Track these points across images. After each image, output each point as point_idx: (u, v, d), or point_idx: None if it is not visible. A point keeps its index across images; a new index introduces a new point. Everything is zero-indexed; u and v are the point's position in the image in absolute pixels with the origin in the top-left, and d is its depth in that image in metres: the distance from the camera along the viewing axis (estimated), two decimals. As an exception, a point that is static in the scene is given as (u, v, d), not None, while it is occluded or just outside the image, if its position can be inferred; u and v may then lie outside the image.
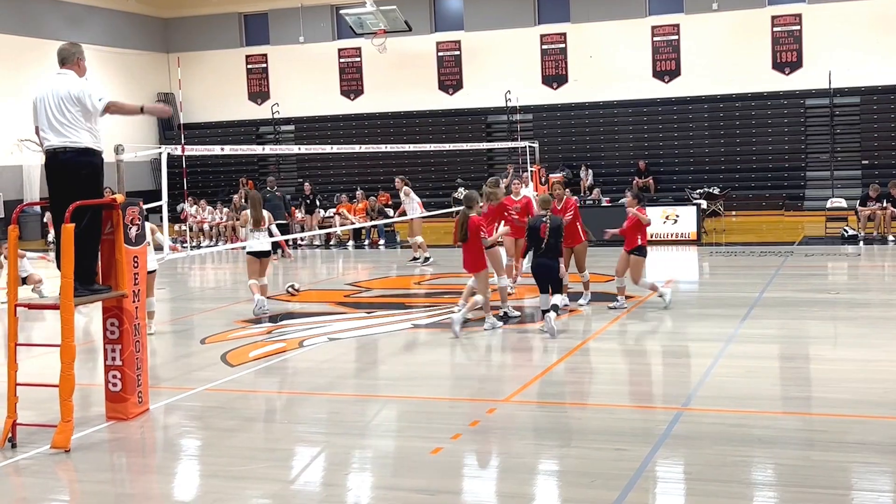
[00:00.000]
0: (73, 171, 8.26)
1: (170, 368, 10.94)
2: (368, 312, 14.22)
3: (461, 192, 19.93)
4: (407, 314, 13.82)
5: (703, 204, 23.91)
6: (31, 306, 8.66)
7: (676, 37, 32.18)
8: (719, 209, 26.36)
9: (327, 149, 16.32)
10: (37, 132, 8.46)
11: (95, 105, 8.29)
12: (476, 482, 6.96)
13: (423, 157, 33.76)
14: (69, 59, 8.51)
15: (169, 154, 10.88)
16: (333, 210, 26.87)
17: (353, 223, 24.59)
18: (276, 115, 36.12)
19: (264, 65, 37.85)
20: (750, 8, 31.24)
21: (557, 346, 11.44)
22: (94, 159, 8.36)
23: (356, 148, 18.37)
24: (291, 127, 36.67)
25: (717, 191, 27.41)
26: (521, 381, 9.88)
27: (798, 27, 30.92)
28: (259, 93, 37.92)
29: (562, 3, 33.56)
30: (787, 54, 31.10)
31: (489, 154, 33.97)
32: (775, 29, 31.14)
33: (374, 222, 24.46)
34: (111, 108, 8.39)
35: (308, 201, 27.06)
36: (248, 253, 14.36)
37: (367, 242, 25.08)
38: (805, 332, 11.89)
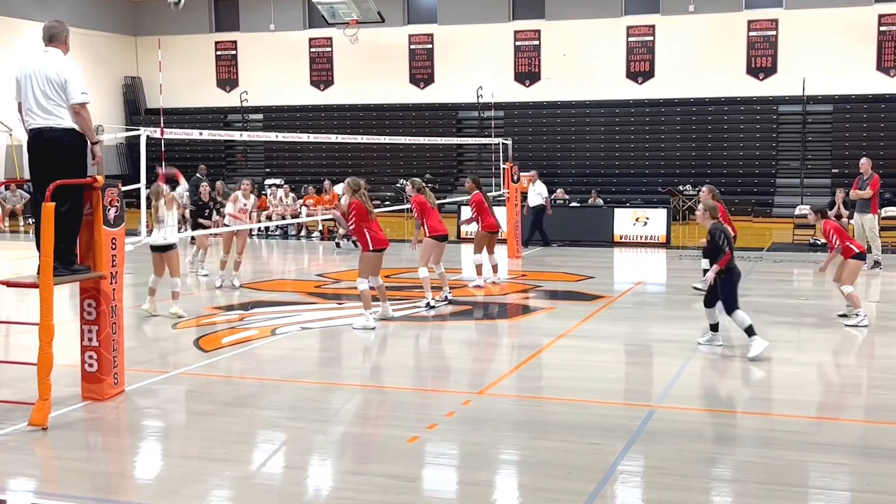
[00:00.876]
0: (58, 150, 8.20)
1: (142, 352, 10.90)
2: (339, 303, 14.22)
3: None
4: (377, 306, 13.81)
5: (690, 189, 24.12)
6: (9, 284, 8.59)
7: (651, 38, 32.41)
8: (695, 206, 26.68)
9: (303, 137, 16.26)
10: (19, 108, 8.37)
11: (75, 98, 8.18)
12: (454, 471, 7.02)
13: (392, 151, 33.74)
14: (57, 37, 8.42)
15: (136, 138, 10.80)
16: (301, 201, 26.80)
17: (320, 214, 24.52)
18: (244, 104, 35.97)
19: (234, 52, 37.69)
20: (726, 11, 31.51)
21: (530, 342, 11.53)
22: (78, 139, 8.30)
23: (331, 138, 18.27)
24: (260, 116, 36.54)
25: (690, 190, 27.70)
26: (495, 374, 9.96)
27: (774, 32, 31.25)
28: (228, 80, 37.76)
29: (537, 0, 33.65)
30: (761, 59, 31.42)
31: (459, 150, 34.02)
32: (751, 33, 31.46)
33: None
34: (81, 112, 8.27)
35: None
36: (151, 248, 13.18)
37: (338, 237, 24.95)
38: (774, 335, 12.04)
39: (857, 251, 12.48)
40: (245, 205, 15.63)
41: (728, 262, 10.38)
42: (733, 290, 10.50)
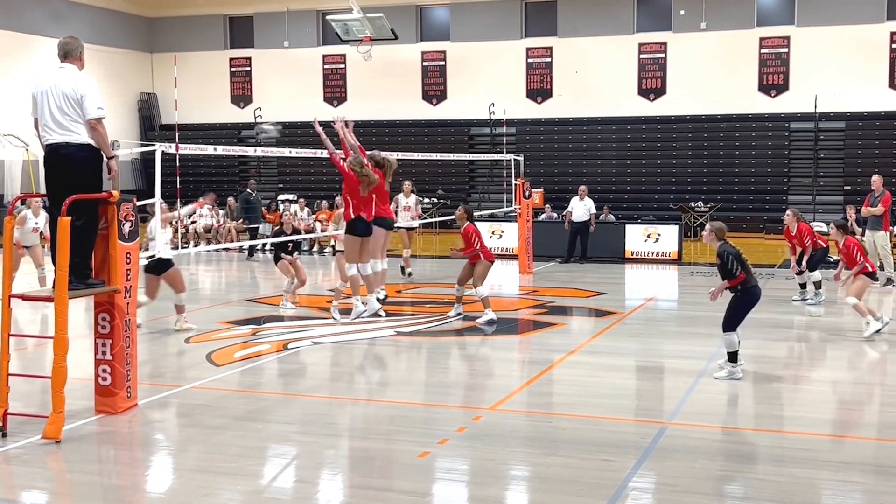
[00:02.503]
0: (74, 165, 8.26)
1: (156, 366, 10.94)
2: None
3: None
4: (390, 321, 13.86)
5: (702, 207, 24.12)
6: (25, 297, 8.66)
7: (663, 55, 32.44)
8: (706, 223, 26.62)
9: (316, 153, 16.27)
10: (35, 125, 8.45)
11: (91, 113, 8.25)
12: (464, 487, 7.03)
13: (404, 166, 33.70)
14: (72, 53, 8.51)
15: (151, 153, 10.85)
16: (314, 216, 26.87)
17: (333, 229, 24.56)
18: (258, 119, 36.09)
19: (248, 68, 37.85)
20: (738, 29, 31.50)
21: (541, 358, 11.54)
22: (94, 154, 8.37)
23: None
24: (280, 125, 36.63)
25: (702, 206, 27.69)
26: (505, 390, 9.96)
27: (786, 49, 31.25)
28: (242, 96, 37.92)
29: (549, 17, 33.76)
30: (773, 77, 31.42)
31: (471, 166, 34.09)
32: (763, 51, 31.47)
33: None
34: (97, 128, 8.33)
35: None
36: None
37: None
38: (786, 353, 12.04)
39: (871, 270, 12.87)
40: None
41: (744, 282, 10.19)
42: (740, 311, 10.28)
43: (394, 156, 13.83)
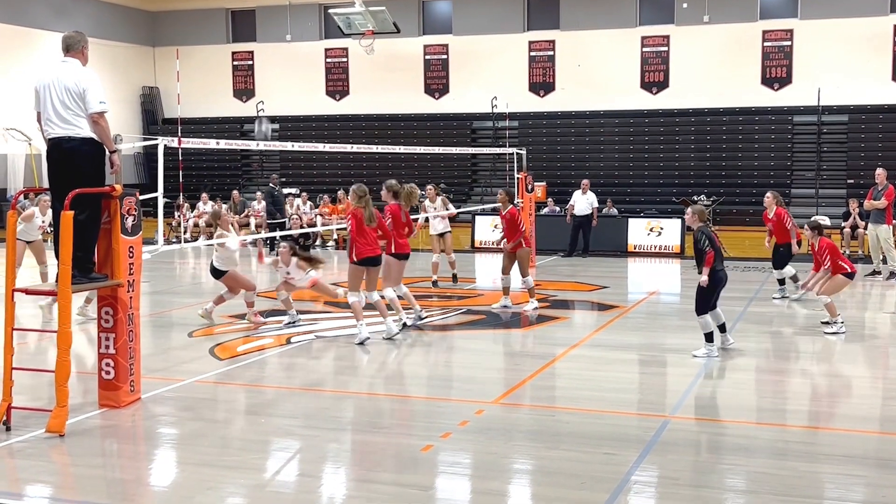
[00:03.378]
0: (77, 159, 8.28)
1: (159, 360, 10.95)
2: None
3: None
4: (391, 315, 13.84)
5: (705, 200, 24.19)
6: (28, 291, 8.67)
7: (666, 48, 32.38)
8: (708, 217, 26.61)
9: (318, 147, 16.25)
10: (38, 118, 8.45)
11: (94, 107, 8.25)
12: (467, 480, 7.04)
13: (406, 160, 33.81)
14: (74, 47, 8.51)
15: (154, 147, 10.87)
16: (316, 210, 26.90)
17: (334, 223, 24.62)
18: (260, 113, 36.07)
19: (250, 62, 37.82)
20: (741, 22, 31.42)
21: (544, 352, 11.56)
22: (96, 148, 8.38)
23: (346, 147, 18.35)
24: (276, 125, 36.64)
25: (705, 199, 27.68)
26: (508, 384, 9.97)
27: (789, 42, 31.18)
28: (244, 90, 37.89)
29: (551, 10, 33.69)
30: (776, 70, 31.37)
31: (473, 160, 34.07)
32: (766, 44, 31.40)
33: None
34: (99, 122, 8.34)
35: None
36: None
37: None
38: (789, 346, 12.04)
39: (849, 271, 12.59)
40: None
41: (712, 266, 10.78)
42: (707, 295, 10.93)
43: (412, 185, 13.59)
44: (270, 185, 25.14)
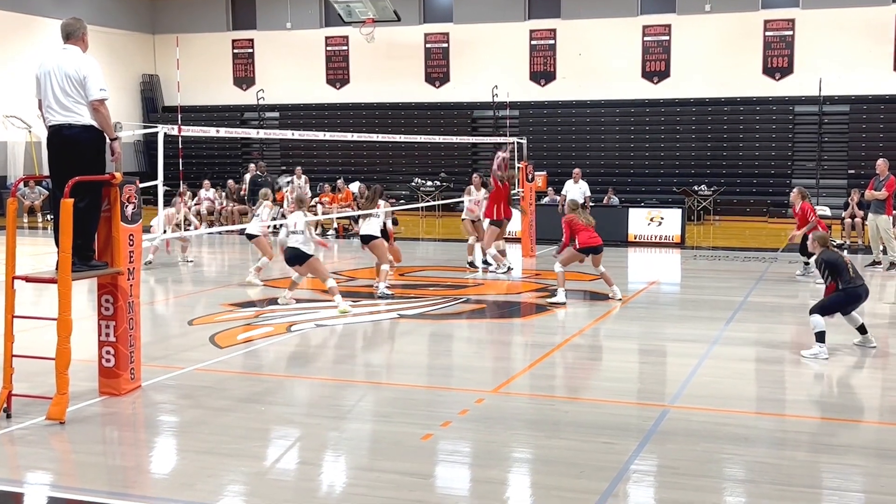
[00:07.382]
0: (77, 147, 8.27)
1: (159, 348, 10.96)
2: (355, 301, 14.25)
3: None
4: (393, 304, 13.89)
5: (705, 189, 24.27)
6: (28, 279, 8.67)
7: (667, 37, 32.32)
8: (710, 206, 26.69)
9: (319, 135, 16.24)
10: (39, 106, 8.45)
11: (94, 94, 8.24)
12: (467, 469, 7.06)
13: (407, 149, 33.79)
14: (75, 34, 8.49)
15: (154, 135, 10.85)
16: (317, 199, 26.86)
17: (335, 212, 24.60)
18: (261, 101, 36.03)
19: (250, 50, 37.76)
20: (743, 11, 31.34)
21: (544, 341, 11.56)
22: (97, 136, 8.37)
23: (346, 136, 18.33)
24: (276, 114, 36.60)
25: (706, 190, 27.63)
26: (509, 373, 9.99)
27: (791, 32, 31.11)
28: (244, 78, 37.83)
29: None
30: (778, 59, 31.30)
31: (474, 149, 34.04)
32: (767, 33, 31.34)
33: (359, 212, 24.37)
34: (100, 109, 8.33)
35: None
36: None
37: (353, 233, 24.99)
38: (790, 336, 12.04)
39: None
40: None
41: (845, 284, 10.59)
42: (835, 304, 10.70)
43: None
44: (257, 171, 24.78)
